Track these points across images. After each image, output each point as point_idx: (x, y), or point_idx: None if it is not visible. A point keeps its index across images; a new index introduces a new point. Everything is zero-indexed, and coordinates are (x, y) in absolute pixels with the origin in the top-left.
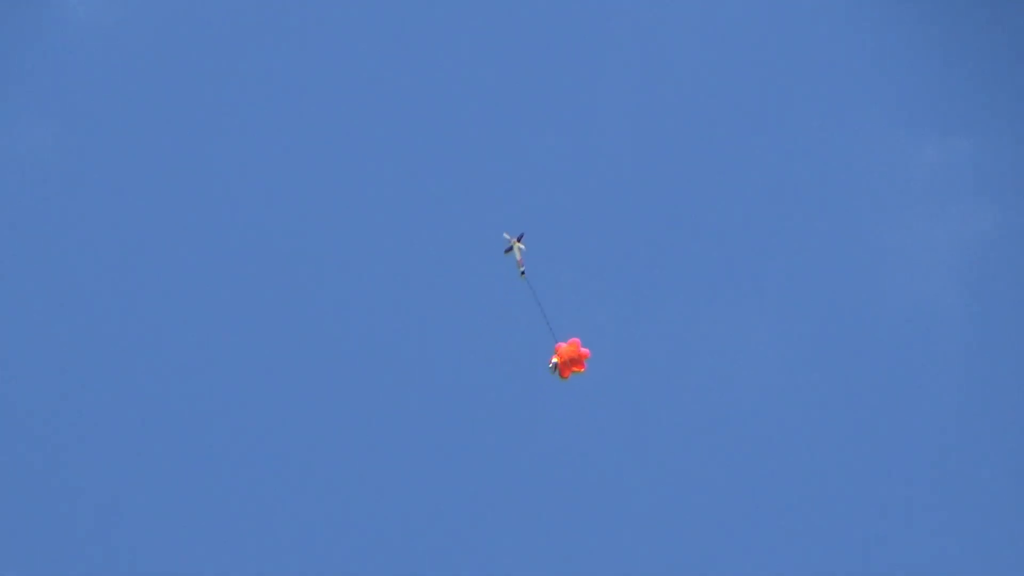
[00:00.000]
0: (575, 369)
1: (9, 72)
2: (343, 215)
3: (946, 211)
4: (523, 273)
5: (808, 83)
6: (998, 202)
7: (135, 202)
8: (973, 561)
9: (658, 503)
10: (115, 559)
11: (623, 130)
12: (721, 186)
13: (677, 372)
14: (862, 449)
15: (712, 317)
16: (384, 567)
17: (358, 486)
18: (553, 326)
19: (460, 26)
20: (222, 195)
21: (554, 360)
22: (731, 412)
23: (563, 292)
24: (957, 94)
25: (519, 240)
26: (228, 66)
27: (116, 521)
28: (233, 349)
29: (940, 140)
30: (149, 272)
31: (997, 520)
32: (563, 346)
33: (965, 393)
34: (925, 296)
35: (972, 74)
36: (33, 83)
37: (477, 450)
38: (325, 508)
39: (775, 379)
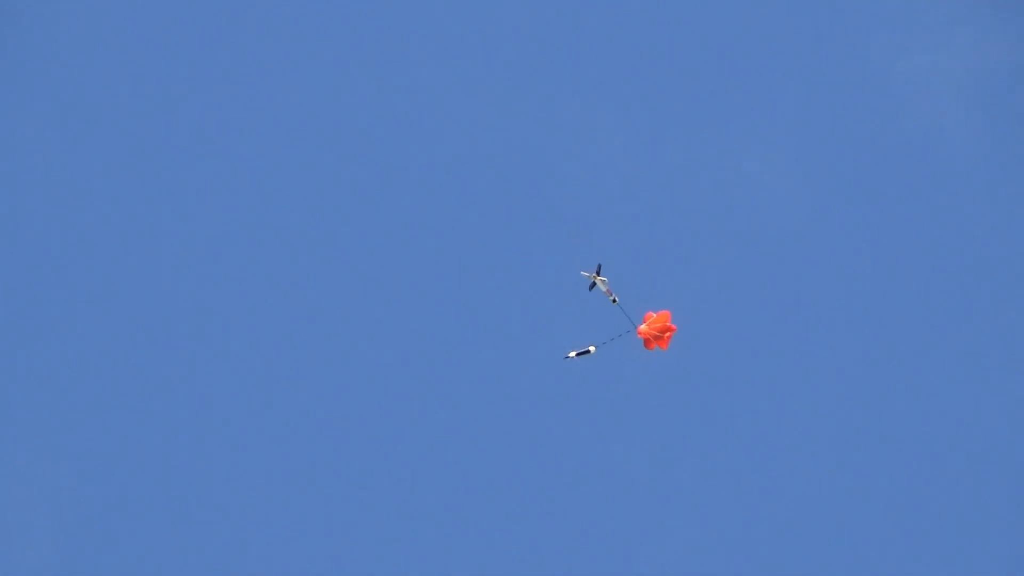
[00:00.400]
0: (659, 345)
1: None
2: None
3: (956, 36)
4: (615, 301)
5: None
6: (1010, 27)
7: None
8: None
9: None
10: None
11: None
12: (732, 11)
13: (691, 196)
14: (874, 275)
15: (722, 144)
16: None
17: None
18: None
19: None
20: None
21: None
22: (742, 237)
23: (576, 122)
24: None
25: (598, 274)
26: (229, 66)
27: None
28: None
29: None
30: (148, 270)
31: (997, 326)
32: (652, 316)
33: (976, 220)
34: (936, 122)
35: None
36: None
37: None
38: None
39: (786, 204)
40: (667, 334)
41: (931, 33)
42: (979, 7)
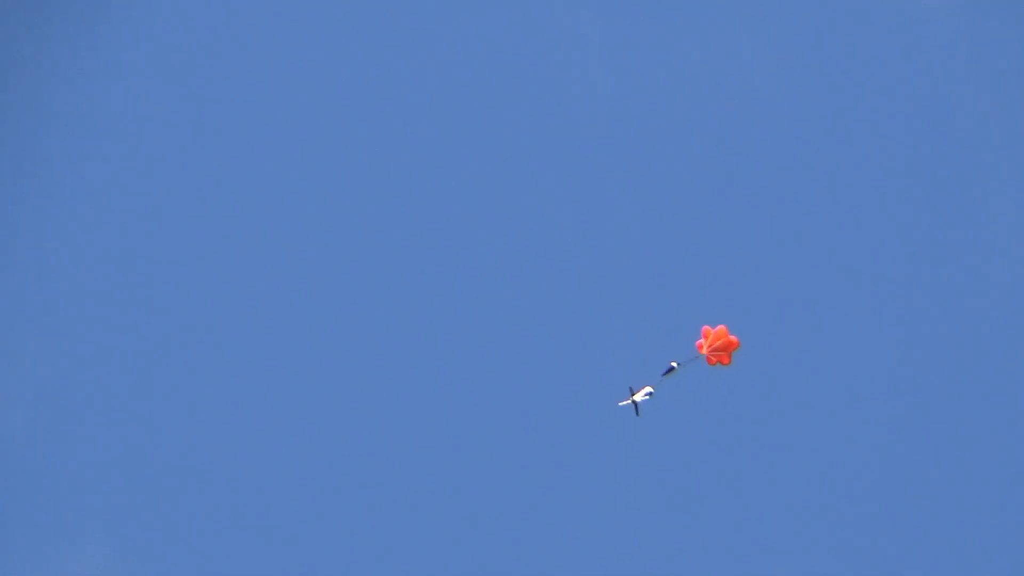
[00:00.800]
0: (716, 356)
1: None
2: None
3: None
4: (651, 393)
5: None
6: None
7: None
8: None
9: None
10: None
11: None
12: None
13: (668, 84)
14: (848, 159)
15: (700, 31)
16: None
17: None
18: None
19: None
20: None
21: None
22: (720, 127)
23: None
24: None
25: (634, 396)
26: (230, 67)
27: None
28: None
29: None
30: (152, 272)
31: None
32: (711, 333)
33: (953, 102)
34: (914, 9)
35: None
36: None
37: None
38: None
39: (764, 93)
40: (729, 349)
41: None
42: None
